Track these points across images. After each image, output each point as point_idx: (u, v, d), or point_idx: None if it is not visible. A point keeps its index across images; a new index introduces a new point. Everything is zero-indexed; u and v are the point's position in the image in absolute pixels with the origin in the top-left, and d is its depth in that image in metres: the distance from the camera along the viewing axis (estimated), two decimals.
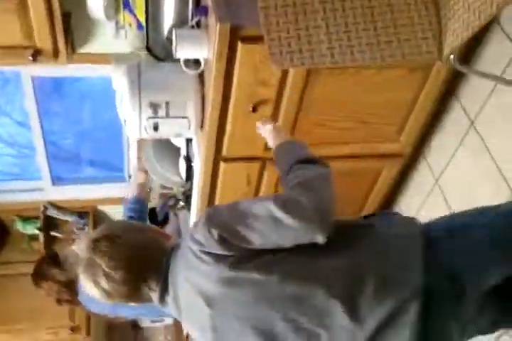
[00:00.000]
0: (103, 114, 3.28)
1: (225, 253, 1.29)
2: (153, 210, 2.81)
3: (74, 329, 3.28)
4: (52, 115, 3.19)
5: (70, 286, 2.62)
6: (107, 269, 1.35)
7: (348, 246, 1.32)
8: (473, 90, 2.25)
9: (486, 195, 2.19)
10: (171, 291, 1.38)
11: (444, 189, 2.48)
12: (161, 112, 2.11)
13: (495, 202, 1.52)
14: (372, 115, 2.29)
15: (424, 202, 2.63)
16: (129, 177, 3.27)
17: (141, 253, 1.40)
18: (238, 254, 1.30)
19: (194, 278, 1.33)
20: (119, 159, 3.31)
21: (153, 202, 2.95)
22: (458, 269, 1.26)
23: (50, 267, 2.57)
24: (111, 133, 3.25)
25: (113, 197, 3.37)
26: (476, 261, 1.30)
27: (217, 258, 1.29)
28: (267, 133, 1.76)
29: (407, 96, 2.26)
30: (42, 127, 3.02)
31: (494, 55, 2.10)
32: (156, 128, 2.14)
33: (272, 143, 1.71)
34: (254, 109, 2.09)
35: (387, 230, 1.39)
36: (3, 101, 3.16)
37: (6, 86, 3.04)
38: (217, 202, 2.53)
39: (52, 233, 3.44)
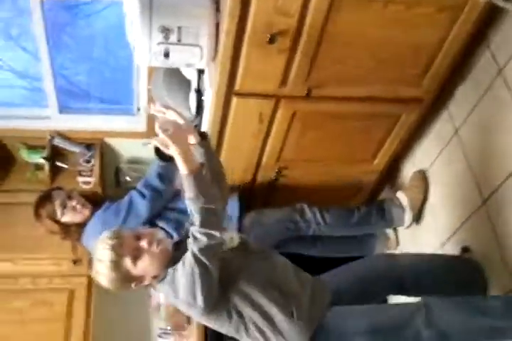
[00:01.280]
0: (116, 52, 3.22)
1: None
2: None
3: (76, 262, 3.26)
4: (65, 49, 3.13)
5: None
6: None
7: None
8: (506, 36, 2.12)
9: (507, 149, 2.10)
10: None
11: (464, 140, 2.39)
12: (173, 38, 2.00)
13: None
14: (395, 55, 2.17)
15: (441, 152, 2.54)
16: (138, 109, 3.18)
17: None
18: None
19: None
20: (128, 94, 3.22)
21: None
22: None
23: (45, 207, 2.62)
24: (123, 71, 3.18)
25: (121, 130, 3.29)
26: None
27: None
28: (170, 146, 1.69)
29: (434, 37, 2.13)
30: (50, 53, 2.91)
31: None
32: (166, 54, 2.04)
33: (180, 165, 1.69)
34: (272, 40, 1.96)
35: None
36: (16, 33, 3.09)
37: (20, 17, 2.95)
38: (226, 140, 2.45)
39: (58, 163, 3.39)
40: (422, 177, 2.65)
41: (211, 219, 1.65)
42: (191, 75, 2.44)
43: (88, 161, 3.39)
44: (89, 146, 3.36)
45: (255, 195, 2.86)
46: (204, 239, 1.64)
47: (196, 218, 1.65)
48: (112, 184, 3.56)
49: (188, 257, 1.68)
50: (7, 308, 3.14)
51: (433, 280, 2.10)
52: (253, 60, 2.06)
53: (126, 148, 3.46)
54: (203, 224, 1.64)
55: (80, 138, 3.31)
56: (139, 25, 1.98)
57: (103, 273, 1.73)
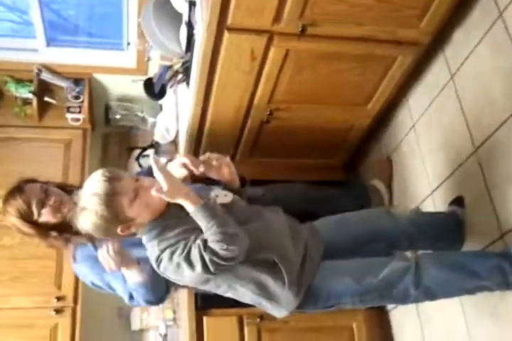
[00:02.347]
0: None
1: None
2: (149, 81, 2.66)
3: None
4: None
5: None
6: None
7: None
8: None
9: (501, 97, 2.07)
10: None
11: (459, 86, 2.34)
12: None
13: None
14: None
15: (435, 98, 2.49)
16: (128, 44, 3.10)
17: None
18: None
19: None
20: (118, 28, 3.12)
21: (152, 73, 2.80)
22: None
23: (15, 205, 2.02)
24: (112, 5, 3.11)
25: (110, 65, 3.22)
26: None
27: None
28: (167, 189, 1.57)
29: None
30: None
31: None
32: None
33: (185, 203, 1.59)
34: None
35: None
36: None
37: None
38: (217, 76, 2.38)
39: (46, 99, 3.33)
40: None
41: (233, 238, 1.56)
42: (182, 8, 2.35)
43: (77, 97, 3.33)
44: (77, 81, 3.29)
45: (246, 139, 2.82)
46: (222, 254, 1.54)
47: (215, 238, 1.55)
48: (102, 122, 3.52)
49: (194, 257, 1.57)
50: None
51: (426, 242, 2.11)
52: None
53: (116, 85, 3.40)
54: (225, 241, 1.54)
55: (68, 73, 3.24)
56: None
57: (92, 209, 1.56)
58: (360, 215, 2.11)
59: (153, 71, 3.01)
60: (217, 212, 1.59)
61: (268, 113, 2.63)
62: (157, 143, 3.32)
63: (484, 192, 2.13)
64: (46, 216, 2.01)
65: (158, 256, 1.63)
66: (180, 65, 2.56)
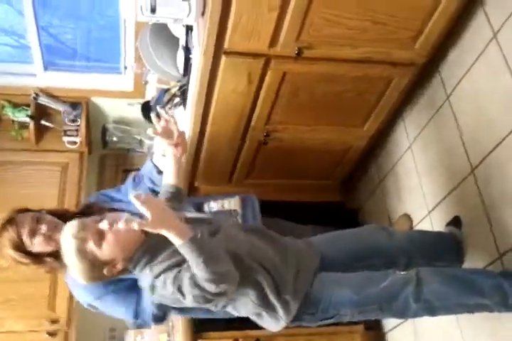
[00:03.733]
0: (104, 10, 3.16)
1: None
2: (147, 104, 2.68)
3: None
4: (52, 6, 3.06)
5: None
6: None
7: None
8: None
9: (498, 116, 2.08)
10: None
11: (455, 106, 2.35)
12: None
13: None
14: (389, 16, 2.12)
15: (431, 118, 2.51)
16: (125, 68, 3.12)
17: None
18: None
19: None
20: (115, 52, 3.15)
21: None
22: None
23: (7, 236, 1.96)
24: (110, 29, 3.13)
25: (107, 89, 3.23)
26: None
27: None
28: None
29: None
30: (34, 7, 2.82)
31: None
32: (153, 9, 1.97)
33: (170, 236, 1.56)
34: None
35: None
36: None
37: None
38: (214, 100, 2.40)
39: (43, 122, 3.33)
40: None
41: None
42: (179, 32, 2.37)
43: (74, 120, 3.34)
44: (74, 105, 3.30)
45: (243, 160, 2.83)
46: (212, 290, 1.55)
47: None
48: (99, 144, 3.52)
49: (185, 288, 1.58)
50: None
51: (424, 260, 2.07)
52: (243, 16, 2.00)
53: (113, 108, 3.42)
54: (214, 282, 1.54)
55: (65, 97, 3.25)
56: None
57: (73, 264, 1.64)
58: (357, 231, 2.11)
59: (150, 94, 3.03)
60: (206, 246, 1.56)
61: (265, 134, 2.64)
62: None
63: (482, 212, 2.13)
64: (39, 246, 1.96)
65: (153, 283, 1.63)
66: (177, 88, 2.57)
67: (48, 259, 1.97)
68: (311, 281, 1.80)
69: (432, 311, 1.83)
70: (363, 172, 3.15)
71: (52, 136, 3.41)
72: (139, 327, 2.35)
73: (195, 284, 1.54)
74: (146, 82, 2.79)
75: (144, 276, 1.67)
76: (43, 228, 1.96)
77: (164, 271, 1.62)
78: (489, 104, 2.13)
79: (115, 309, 2.08)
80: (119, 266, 1.67)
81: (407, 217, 2.67)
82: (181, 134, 1.89)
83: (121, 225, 1.60)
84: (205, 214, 1.80)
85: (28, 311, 3.08)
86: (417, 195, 2.60)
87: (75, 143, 3.39)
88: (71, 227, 1.64)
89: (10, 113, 3.28)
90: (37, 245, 1.95)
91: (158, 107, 2.21)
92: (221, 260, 1.58)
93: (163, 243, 1.61)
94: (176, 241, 1.54)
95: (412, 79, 2.45)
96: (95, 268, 1.64)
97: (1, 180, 3.28)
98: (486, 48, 2.14)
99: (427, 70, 2.47)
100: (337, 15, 2.07)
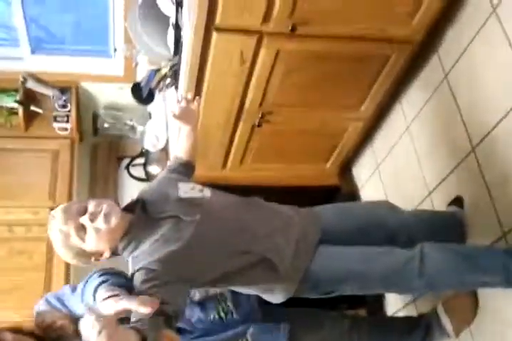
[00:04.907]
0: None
1: None
2: (137, 85, 2.61)
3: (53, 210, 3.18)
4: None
5: None
6: None
7: None
8: None
9: (497, 94, 2.02)
10: None
11: (453, 85, 2.29)
12: None
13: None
14: None
15: (430, 97, 2.45)
16: (115, 50, 3.04)
17: None
18: None
19: None
20: (104, 34, 3.07)
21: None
22: None
23: None
24: (97, 8, 3.06)
25: (97, 73, 3.16)
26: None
27: None
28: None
29: None
30: None
31: None
32: None
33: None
34: None
35: None
36: None
37: None
38: (207, 80, 2.33)
39: (32, 108, 3.26)
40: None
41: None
42: (169, 10, 2.30)
43: (64, 106, 3.27)
44: (64, 90, 3.23)
45: (237, 144, 2.77)
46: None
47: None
48: (90, 131, 3.46)
49: None
50: None
51: (427, 240, 2.00)
52: None
53: (103, 93, 3.34)
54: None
55: (54, 81, 3.17)
56: None
57: (60, 253, 1.66)
58: (363, 205, 2.11)
59: (141, 77, 2.96)
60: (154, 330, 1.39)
61: (260, 116, 2.57)
62: (147, 151, 3.26)
63: (484, 191, 2.08)
64: None
65: (133, 274, 1.59)
66: (168, 68, 2.50)
67: None
68: (311, 256, 1.77)
69: (435, 286, 1.82)
70: (360, 155, 3.09)
71: (41, 122, 3.35)
72: None
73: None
74: (137, 64, 2.71)
75: (131, 264, 1.65)
76: None
77: (141, 269, 1.58)
78: (489, 81, 2.07)
79: None
80: (107, 255, 1.68)
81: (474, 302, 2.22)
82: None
83: (101, 220, 1.59)
84: (199, 194, 1.74)
85: (22, 301, 2.98)
86: (417, 177, 2.54)
87: (65, 129, 3.32)
88: (54, 217, 1.62)
89: None
90: None
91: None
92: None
93: (147, 231, 1.64)
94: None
95: (409, 57, 2.39)
96: (81, 256, 1.66)
97: None
98: (485, 23, 2.08)
99: (424, 48, 2.40)
100: None
